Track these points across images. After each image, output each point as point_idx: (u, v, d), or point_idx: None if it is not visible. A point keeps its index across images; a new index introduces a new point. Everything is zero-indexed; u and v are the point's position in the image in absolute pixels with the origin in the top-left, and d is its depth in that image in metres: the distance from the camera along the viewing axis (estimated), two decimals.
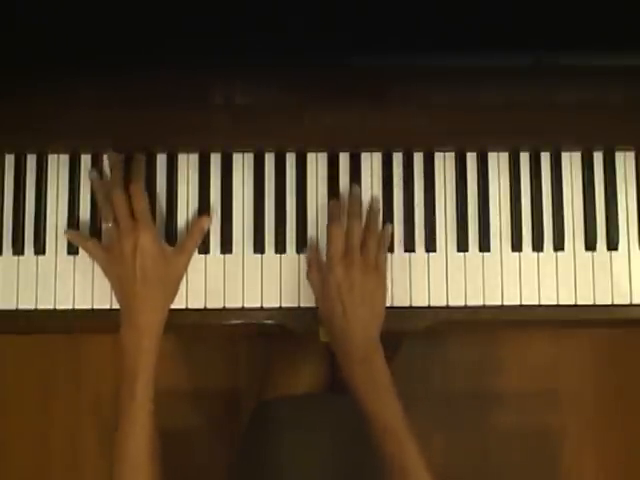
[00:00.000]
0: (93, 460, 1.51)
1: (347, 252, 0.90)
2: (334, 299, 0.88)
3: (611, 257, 0.95)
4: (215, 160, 0.97)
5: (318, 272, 0.92)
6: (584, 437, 1.52)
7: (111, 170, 0.95)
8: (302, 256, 0.95)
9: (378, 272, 0.91)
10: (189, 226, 0.95)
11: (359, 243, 0.91)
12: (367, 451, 1.00)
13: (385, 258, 0.93)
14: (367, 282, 0.89)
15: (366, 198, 0.95)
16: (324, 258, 0.92)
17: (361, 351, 0.87)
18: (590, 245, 0.95)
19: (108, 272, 0.92)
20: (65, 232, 0.95)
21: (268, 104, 0.91)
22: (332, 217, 0.93)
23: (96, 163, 0.96)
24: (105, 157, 0.96)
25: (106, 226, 0.92)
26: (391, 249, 0.95)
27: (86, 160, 0.96)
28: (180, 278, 0.93)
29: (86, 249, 0.94)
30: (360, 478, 0.98)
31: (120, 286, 0.90)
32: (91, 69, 0.87)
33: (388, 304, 0.93)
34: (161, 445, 0.86)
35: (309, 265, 0.94)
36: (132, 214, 0.90)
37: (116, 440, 0.84)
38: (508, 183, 0.96)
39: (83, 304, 0.94)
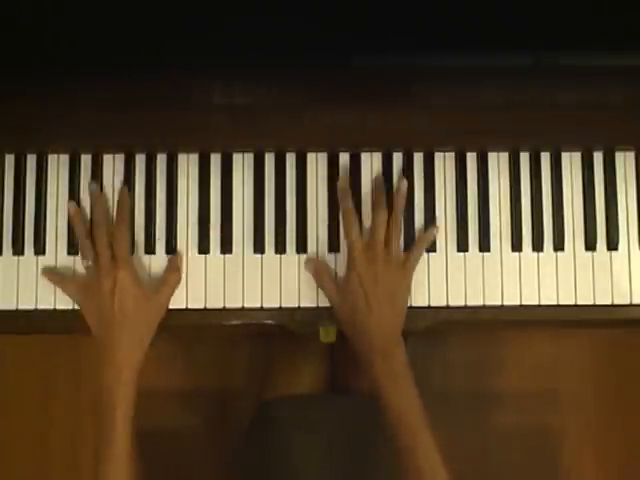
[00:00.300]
0: (93, 460, 1.51)
1: (370, 246, 0.89)
2: (357, 293, 0.88)
3: (611, 257, 0.95)
4: (215, 160, 0.96)
5: (330, 277, 0.92)
6: (584, 437, 1.51)
7: (92, 205, 0.94)
8: (302, 256, 0.95)
9: (403, 267, 0.90)
10: (189, 229, 0.95)
11: (383, 237, 0.90)
12: (367, 451, 1.00)
13: (418, 257, 0.92)
14: (390, 276, 0.89)
15: (366, 199, 0.95)
16: (326, 261, 0.92)
17: (383, 345, 0.87)
18: (590, 245, 0.95)
19: (84, 309, 0.91)
20: (41, 271, 0.94)
21: (268, 104, 0.91)
22: (344, 206, 0.92)
23: (96, 164, 0.96)
24: (90, 184, 0.95)
25: (86, 263, 0.92)
26: None
27: (86, 160, 0.96)
28: (160, 316, 0.92)
29: (63, 289, 0.93)
30: (360, 478, 0.98)
31: (97, 325, 0.90)
32: (91, 69, 0.87)
33: None
34: (141, 471, 0.86)
35: (319, 275, 0.92)
36: (112, 252, 0.90)
37: (97, 465, 0.86)
38: (508, 183, 0.96)
39: None
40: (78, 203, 0.96)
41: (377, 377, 0.86)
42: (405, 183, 0.94)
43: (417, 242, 0.93)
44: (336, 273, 0.94)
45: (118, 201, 0.94)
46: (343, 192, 0.93)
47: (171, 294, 0.92)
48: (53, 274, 0.94)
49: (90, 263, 0.91)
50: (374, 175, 0.96)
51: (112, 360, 0.87)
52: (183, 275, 0.94)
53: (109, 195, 0.96)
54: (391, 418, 0.85)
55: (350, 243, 0.90)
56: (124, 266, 0.89)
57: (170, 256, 0.94)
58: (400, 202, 0.93)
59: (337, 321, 0.92)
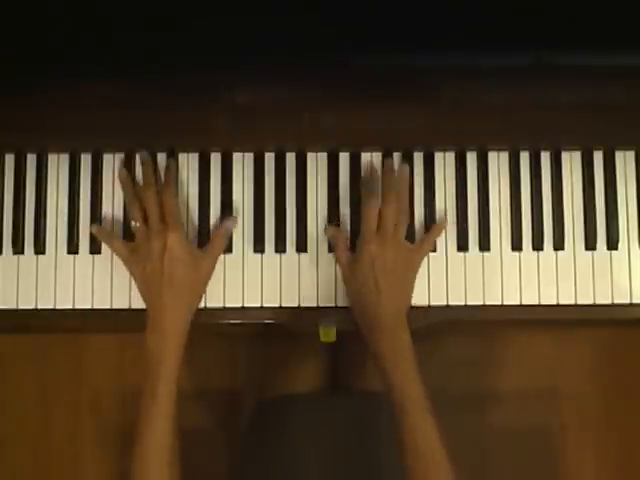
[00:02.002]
0: (93, 460, 1.51)
1: (380, 231, 0.90)
2: (367, 274, 0.88)
3: (611, 257, 0.95)
4: (215, 160, 0.97)
5: (345, 250, 0.92)
6: (584, 437, 1.51)
7: (143, 169, 0.94)
8: (302, 256, 0.95)
9: (413, 253, 0.92)
10: (189, 228, 0.95)
11: (393, 224, 0.91)
12: (367, 450, 1.00)
13: (430, 247, 0.93)
14: (400, 260, 0.90)
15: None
16: (326, 261, 0.92)
17: (388, 326, 0.88)
18: (590, 245, 0.95)
19: (134, 272, 0.91)
20: (91, 227, 0.94)
21: (268, 104, 0.91)
22: (368, 195, 0.92)
23: (96, 163, 0.96)
24: (136, 156, 0.95)
25: (134, 225, 0.91)
26: None
27: (86, 160, 0.96)
28: (206, 281, 0.93)
29: (112, 247, 0.93)
30: (361, 478, 0.98)
31: (146, 287, 0.89)
32: (91, 69, 0.87)
33: None
34: (181, 446, 0.85)
35: (336, 243, 0.93)
36: (161, 215, 0.90)
37: (136, 439, 0.84)
38: (508, 183, 0.97)
39: (83, 304, 0.94)
40: (78, 203, 0.96)
41: (381, 357, 0.87)
42: (406, 167, 0.95)
43: (431, 231, 0.94)
44: (336, 273, 0.94)
45: (166, 167, 0.94)
46: (369, 182, 0.94)
47: (217, 259, 0.93)
48: (103, 230, 0.94)
49: (138, 225, 0.91)
50: (373, 175, 0.96)
51: (159, 326, 0.87)
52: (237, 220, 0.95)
53: (110, 193, 0.96)
54: (394, 399, 0.85)
55: (367, 223, 0.90)
56: (174, 228, 0.89)
57: (221, 221, 0.94)
58: (403, 187, 0.94)
59: (348, 299, 0.92)
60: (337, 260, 0.93)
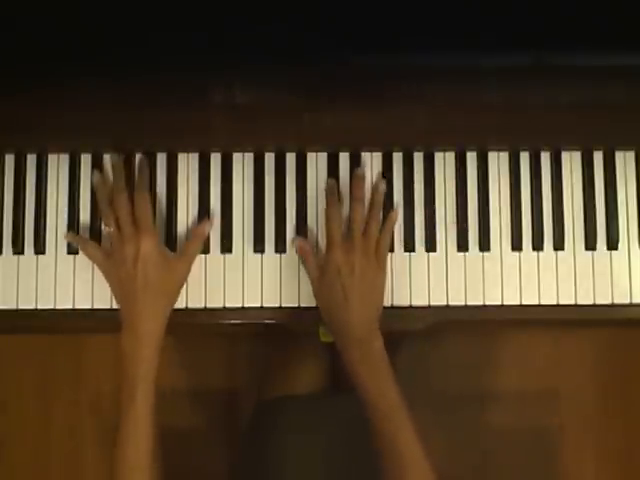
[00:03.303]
0: (93, 460, 1.51)
1: (348, 236, 0.90)
2: (334, 283, 0.88)
3: (611, 257, 0.95)
4: (215, 160, 0.97)
5: (314, 258, 0.92)
6: (584, 437, 1.51)
7: (114, 173, 0.94)
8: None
9: (379, 257, 0.91)
10: (189, 228, 0.95)
11: (361, 228, 0.91)
12: (367, 451, 1.00)
13: (387, 243, 0.93)
14: (368, 266, 0.89)
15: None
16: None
17: (360, 335, 0.88)
18: (590, 245, 0.95)
19: (109, 277, 0.91)
20: (65, 235, 0.95)
21: (268, 104, 0.91)
22: (329, 200, 0.93)
23: (96, 163, 0.96)
24: (107, 159, 0.95)
25: (107, 230, 0.92)
26: (391, 249, 0.95)
27: (86, 160, 0.96)
28: (181, 285, 0.92)
29: (86, 253, 0.93)
30: (360, 478, 0.98)
31: (121, 292, 0.90)
32: (91, 69, 0.87)
33: (388, 304, 0.93)
34: (161, 448, 0.86)
35: (304, 253, 0.93)
36: (134, 219, 0.90)
37: (117, 442, 0.85)
38: (508, 183, 0.97)
39: (83, 304, 0.94)
40: (78, 203, 0.96)
41: (353, 366, 0.87)
42: (383, 183, 0.95)
43: (382, 229, 0.93)
44: None
45: (138, 170, 0.94)
46: (331, 188, 0.94)
47: (192, 262, 0.92)
48: (77, 237, 0.94)
49: (112, 230, 0.91)
50: (374, 175, 0.96)
51: (134, 331, 0.87)
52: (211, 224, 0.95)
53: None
54: (374, 413, 0.85)
55: (329, 232, 0.91)
56: (147, 233, 0.89)
57: (197, 225, 0.94)
58: (378, 199, 0.94)
59: (320, 310, 0.92)
60: (306, 271, 0.93)
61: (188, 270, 0.93)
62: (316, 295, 0.92)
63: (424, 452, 0.83)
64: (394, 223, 0.94)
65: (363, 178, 0.95)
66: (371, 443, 1.00)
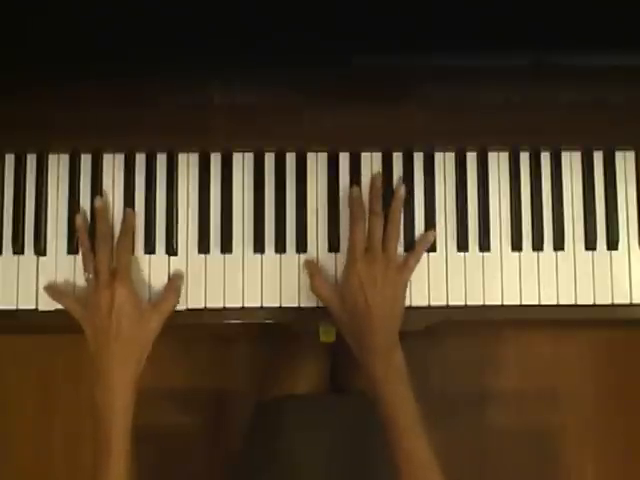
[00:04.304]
0: (93, 460, 1.51)
1: (369, 249, 0.90)
2: (356, 295, 0.88)
3: (611, 257, 0.95)
4: (215, 160, 0.96)
5: (323, 281, 0.92)
6: (584, 437, 1.51)
7: (97, 218, 0.93)
8: (302, 256, 0.95)
9: (402, 270, 0.91)
10: (188, 231, 0.95)
11: (380, 240, 0.91)
12: (367, 451, 1.00)
13: (417, 260, 0.93)
14: (389, 279, 0.89)
15: (366, 198, 0.95)
16: (326, 261, 0.92)
17: (382, 347, 0.87)
18: (590, 245, 0.95)
19: (84, 326, 0.90)
20: (43, 288, 0.94)
21: (268, 104, 0.91)
22: (355, 213, 0.92)
23: (96, 163, 0.96)
24: (96, 199, 0.94)
25: (87, 276, 0.91)
26: None
27: (86, 160, 0.96)
28: (154, 335, 0.91)
29: (63, 305, 0.93)
30: (360, 478, 0.98)
31: (94, 342, 0.89)
32: (91, 69, 0.87)
33: None
34: None
35: (312, 276, 0.92)
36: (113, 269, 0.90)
37: None
38: (508, 183, 0.96)
39: None
40: (78, 203, 0.96)
41: (375, 379, 0.87)
42: (404, 188, 0.94)
43: (417, 245, 0.94)
44: (336, 273, 0.94)
45: (123, 218, 0.94)
46: (357, 199, 0.93)
47: (166, 315, 0.92)
48: (54, 290, 0.94)
49: (91, 276, 0.91)
50: (373, 175, 0.96)
51: (107, 382, 0.88)
52: (183, 275, 0.94)
53: (109, 196, 0.96)
54: (387, 422, 0.85)
55: (353, 244, 0.90)
56: (122, 283, 0.88)
57: (170, 278, 0.94)
58: (397, 206, 0.93)
59: (336, 323, 0.92)
60: (317, 293, 0.92)
61: (161, 323, 0.91)
62: (336, 312, 0.91)
63: (440, 469, 0.83)
64: (429, 242, 0.94)
65: (380, 189, 0.94)
66: (370, 443, 1.00)
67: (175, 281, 0.94)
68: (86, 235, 0.93)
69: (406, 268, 0.92)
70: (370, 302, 0.88)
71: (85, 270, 0.92)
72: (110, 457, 0.85)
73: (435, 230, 0.95)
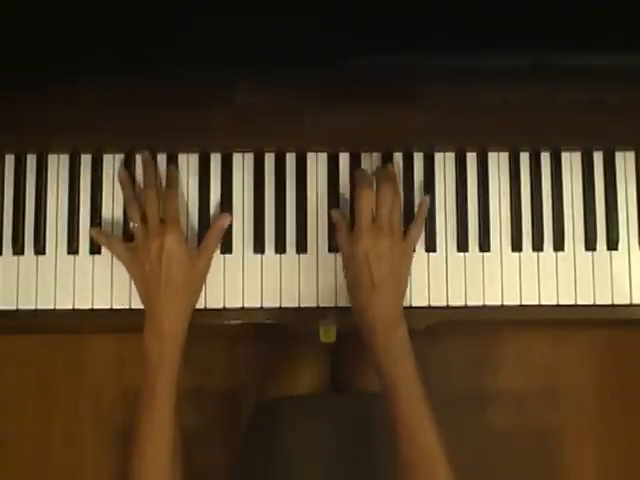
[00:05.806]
0: (93, 460, 1.51)
1: (375, 220, 0.89)
2: (362, 267, 0.87)
3: (611, 257, 0.95)
4: (215, 160, 0.97)
5: (347, 236, 0.91)
6: (584, 437, 1.52)
7: (144, 169, 0.95)
8: (302, 256, 0.95)
9: (405, 242, 0.91)
10: (190, 228, 0.95)
11: (388, 212, 0.90)
12: (367, 451, 1.00)
13: (419, 231, 0.93)
14: (394, 251, 0.88)
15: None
16: (326, 261, 0.92)
17: (386, 321, 0.87)
18: (590, 245, 0.95)
19: (132, 272, 0.91)
20: (90, 230, 0.95)
21: (268, 104, 0.91)
22: (361, 182, 0.91)
23: (96, 163, 0.96)
24: (137, 156, 0.96)
25: (132, 225, 0.91)
26: None
27: (86, 160, 0.96)
28: (203, 280, 0.93)
29: (110, 248, 0.93)
30: (361, 478, 0.98)
31: (144, 287, 0.89)
32: (91, 69, 0.87)
33: None
34: (183, 451, 0.86)
35: (338, 228, 0.92)
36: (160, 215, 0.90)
37: (135, 440, 0.84)
38: (508, 183, 0.97)
39: (83, 304, 0.94)
40: (78, 203, 0.96)
41: (378, 354, 0.86)
42: (391, 165, 0.95)
43: (416, 215, 0.94)
44: (336, 273, 0.94)
45: (168, 169, 0.95)
46: (362, 172, 0.93)
47: (211, 257, 0.93)
48: (100, 232, 0.94)
49: (137, 225, 0.91)
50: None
51: (157, 327, 0.87)
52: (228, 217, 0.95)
53: (110, 194, 0.96)
54: (391, 398, 0.84)
55: (360, 212, 0.89)
56: (172, 229, 0.89)
57: (215, 219, 0.95)
58: (394, 180, 0.93)
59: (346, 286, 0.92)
60: (339, 244, 0.92)
61: (209, 266, 0.93)
62: (345, 271, 0.91)
63: (444, 448, 0.82)
64: (426, 212, 0.94)
65: (394, 173, 0.94)
66: (370, 443, 1.00)
67: (219, 220, 0.94)
68: (130, 186, 0.94)
69: (409, 240, 0.92)
70: (374, 277, 0.87)
71: (131, 219, 0.92)
72: (155, 401, 0.84)
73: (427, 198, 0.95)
